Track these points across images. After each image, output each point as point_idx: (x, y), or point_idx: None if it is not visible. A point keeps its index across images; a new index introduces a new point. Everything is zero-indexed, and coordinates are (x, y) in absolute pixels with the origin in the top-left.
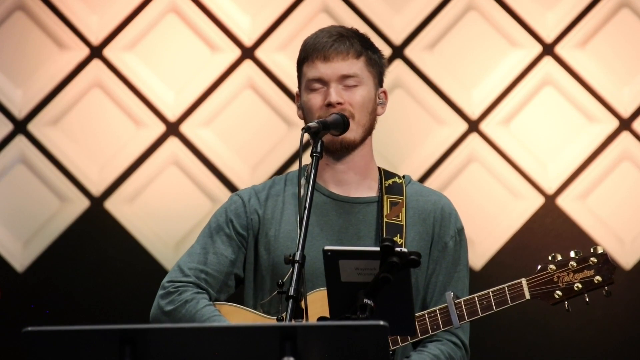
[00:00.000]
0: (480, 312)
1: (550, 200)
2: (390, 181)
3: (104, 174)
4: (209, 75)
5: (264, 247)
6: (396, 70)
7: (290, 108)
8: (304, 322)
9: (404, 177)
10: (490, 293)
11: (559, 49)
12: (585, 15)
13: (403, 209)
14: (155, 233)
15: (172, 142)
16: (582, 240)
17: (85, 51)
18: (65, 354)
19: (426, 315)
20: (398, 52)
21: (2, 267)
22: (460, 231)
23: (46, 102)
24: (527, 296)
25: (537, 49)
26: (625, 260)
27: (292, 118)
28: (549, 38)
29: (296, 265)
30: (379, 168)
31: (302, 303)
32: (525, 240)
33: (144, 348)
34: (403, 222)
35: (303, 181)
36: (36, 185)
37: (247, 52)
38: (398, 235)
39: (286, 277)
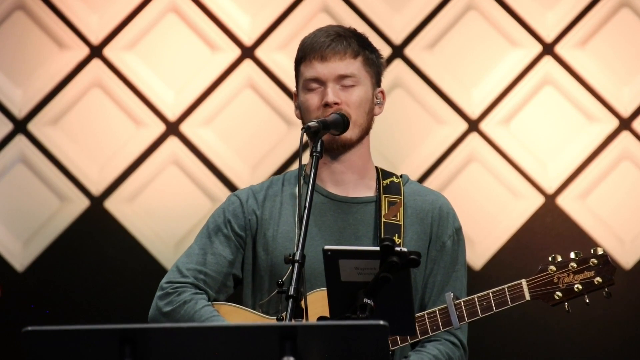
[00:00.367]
0: (480, 313)
1: (550, 200)
2: (387, 181)
3: (104, 174)
4: (209, 75)
5: (262, 247)
6: (396, 70)
7: (290, 108)
8: (304, 322)
9: (401, 176)
10: (490, 294)
11: (559, 49)
12: (585, 15)
13: (401, 209)
14: (155, 233)
15: (172, 142)
16: (582, 240)
17: (85, 51)
18: (65, 353)
19: (426, 315)
20: (398, 51)
21: (2, 267)
22: (458, 230)
23: (46, 101)
24: (527, 297)
25: (537, 48)
26: (625, 260)
27: (292, 118)
28: (549, 38)
29: (296, 265)
30: (376, 168)
31: (302, 303)
32: (525, 240)
33: (144, 348)
34: (401, 222)
35: (301, 181)
36: (36, 185)
37: (247, 52)
38: (396, 235)
39: (285, 277)
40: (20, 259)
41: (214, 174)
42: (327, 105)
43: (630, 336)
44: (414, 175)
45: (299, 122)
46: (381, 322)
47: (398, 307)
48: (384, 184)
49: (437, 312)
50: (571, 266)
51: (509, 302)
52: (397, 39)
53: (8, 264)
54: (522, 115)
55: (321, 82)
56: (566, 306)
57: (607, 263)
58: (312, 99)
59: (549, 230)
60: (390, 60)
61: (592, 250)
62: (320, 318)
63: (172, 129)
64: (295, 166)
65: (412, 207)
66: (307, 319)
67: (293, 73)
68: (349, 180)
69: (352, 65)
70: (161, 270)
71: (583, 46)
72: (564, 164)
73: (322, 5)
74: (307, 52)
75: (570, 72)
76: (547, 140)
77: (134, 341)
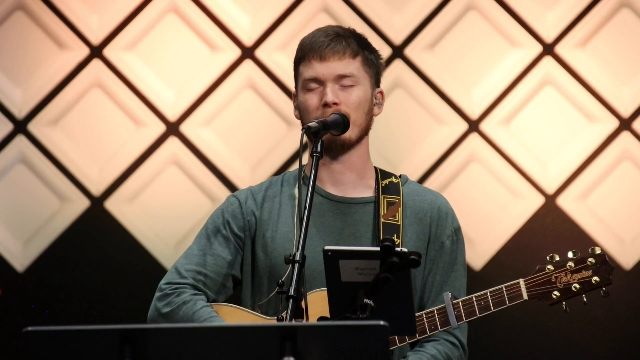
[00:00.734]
0: (478, 313)
1: (550, 200)
2: (386, 181)
3: (104, 174)
4: (209, 75)
5: (261, 248)
6: (396, 70)
7: (290, 108)
8: (304, 322)
9: (400, 176)
10: (488, 293)
11: (559, 49)
12: (585, 15)
13: (400, 209)
14: (155, 233)
15: (172, 142)
16: (582, 240)
17: (85, 51)
18: (65, 354)
19: (424, 315)
20: (398, 52)
21: (2, 267)
22: (457, 230)
23: (46, 102)
24: (525, 296)
25: (537, 48)
26: (625, 260)
27: (292, 118)
28: (549, 38)
29: (296, 265)
30: (375, 168)
31: (302, 303)
32: (525, 240)
33: (144, 348)
34: (400, 222)
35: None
36: (36, 185)
37: (247, 52)
38: (395, 235)
39: (284, 277)
40: (20, 259)
41: (214, 174)
42: (326, 105)
43: (630, 336)
44: (414, 176)
45: (299, 122)
46: (381, 322)
47: (398, 307)
48: (383, 184)
49: (435, 311)
50: (569, 265)
51: (507, 302)
52: (397, 39)
53: (8, 264)
54: (522, 116)
55: (320, 82)
56: (564, 305)
57: (604, 262)
58: (311, 99)
59: (549, 230)
60: (390, 60)
61: (589, 250)
62: (321, 318)
63: (172, 129)
64: (295, 166)
65: (411, 207)
66: (307, 319)
67: (293, 73)
68: (348, 181)
69: (351, 65)
70: (161, 271)
71: (583, 46)
72: (564, 164)
73: (322, 5)
74: (306, 52)
75: (571, 72)
76: (547, 141)
77: (134, 341)
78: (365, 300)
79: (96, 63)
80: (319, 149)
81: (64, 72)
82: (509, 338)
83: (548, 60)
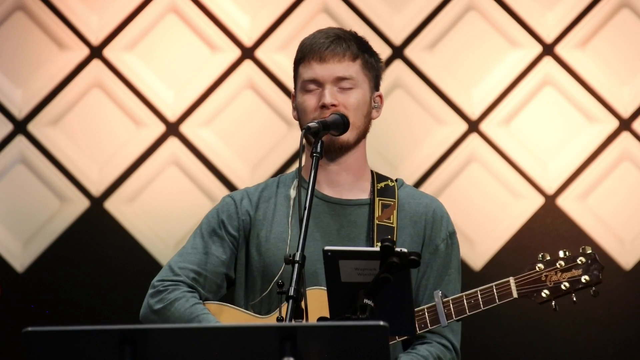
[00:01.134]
0: (467, 311)
1: (550, 200)
2: (382, 184)
3: (104, 174)
4: (209, 75)
5: (255, 248)
6: (396, 70)
7: (290, 108)
8: (304, 322)
9: (396, 180)
10: (479, 292)
11: (559, 49)
12: (585, 15)
13: (395, 212)
14: (155, 233)
15: (172, 142)
16: (582, 240)
17: (85, 51)
18: (65, 354)
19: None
20: (398, 52)
21: (2, 267)
22: (452, 234)
23: (46, 102)
24: (515, 295)
25: (537, 49)
26: (625, 260)
27: (292, 118)
28: (549, 38)
29: (296, 265)
30: (372, 171)
31: (302, 303)
32: (525, 240)
33: (144, 348)
34: (394, 225)
35: (295, 183)
36: (36, 185)
37: (247, 52)
38: (389, 237)
39: (277, 277)
40: (20, 260)
41: (214, 175)
42: (324, 106)
43: (630, 336)
44: (414, 176)
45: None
46: (381, 323)
47: (398, 307)
48: (379, 187)
49: (426, 310)
50: (559, 264)
51: (497, 300)
52: (397, 40)
53: (8, 264)
54: (522, 116)
55: (319, 84)
56: (553, 304)
57: (594, 261)
58: (310, 100)
59: (549, 230)
60: (390, 60)
61: (580, 249)
62: (321, 318)
63: (172, 129)
64: (295, 166)
65: (406, 210)
66: (307, 319)
67: (293, 74)
68: (344, 183)
69: (350, 68)
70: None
71: (583, 47)
72: (564, 164)
73: (322, 5)
74: (306, 53)
75: (571, 72)
76: (547, 141)
77: (134, 341)
78: (365, 300)
79: (96, 63)
80: (318, 149)
81: (64, 72)
82: (508, 338)
83: (548, 60)
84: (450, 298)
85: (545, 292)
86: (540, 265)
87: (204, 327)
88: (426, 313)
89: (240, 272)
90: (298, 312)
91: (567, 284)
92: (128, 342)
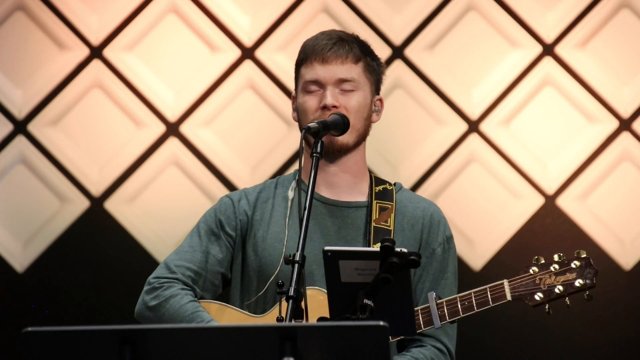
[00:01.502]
0: (461, 313)
1: (550, 200)
2: (380, 187)
3: (104, 174)
4: (209, 75)
5: (252, 248)
6: (396, 71)
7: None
8: (303, 322)
9: (395, 184)
10: (472, 294)
11: (559, 49)
12: (585, 15)
13: (392, 215)
14: (155, 233)
15: (172, 142)
16: (582, 240)
17: (85, 51)
18: (65, 354)
19: None
20: (398, 52)
21: (2, 267)
22: (449, 239)
23: (46, 102)
24: (509, 297)
25: (537, 49)
26: (625, 260)
27: (292, 118)
28: (549, 38)
29: (296, 265)
30: (370, 174)
31: (302, 303)
32: (525, 240)
33: (144, 348)
34: (391, 227)
35: (294, 184)
36: (36, 185)
37: (247, 52)
38: (389, 237)
39: (272, 277)
40: (20, 260)
41: (214, 175)
42: (325, 107)
43: (630, 337)
44: (414, 176)
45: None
46: (381, 323)
47: (398, 307)
48: (377, 190)
49: (419, 311)
50: (553, 268)
51: (490, 302)
52: (397, 40)
53: (8, 264)
54: (522, 116)
55: (321, 85)
56: (547, 308)
57: (589, 265)
58: (311, 101)
59: (549, 231)
60: (390, 61)
61: (575, 253)
62: (321, 318)
63: (172, 129)
64: (294, 167)
65: (403, 214)
66: (307, 319)
67: (293, 74)
68: (343, 185)
69: (352, 70)
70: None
71: (583, 47)
72: (564, 164)
73: (322, 6)
74: (308, 54)
75: (571, 72)
76: (547, 141)
77: (134, 341)
78: (365, 300)
79: (96, 63)
80: (318, 149)
81: (64, 72)
82: (508, 338)
83: (548, 60)
84: (444, 300)
85: (538, 295)
86: (535, 269)
87: (204, 327)
88: (420, 314)
89: (236, 272)
90: (298, 312)
91: (560, 288)
92: (128, 342)
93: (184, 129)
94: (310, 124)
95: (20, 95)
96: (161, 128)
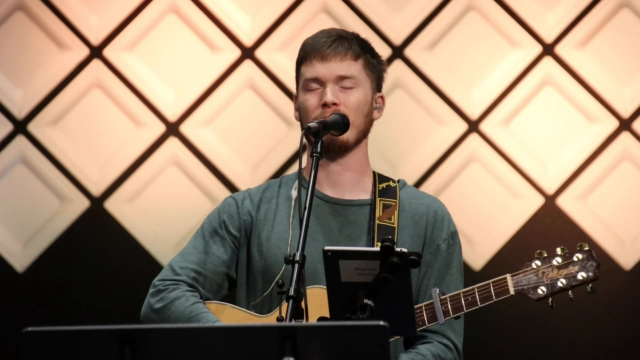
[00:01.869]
0: (465, 308)
1: (550, 200)
2: (384, 184)
3: (104, 174)
4: (209, 75)
5: (257, 248)
6: (396, 70)
7: (290, 108)
8: (304, 322)
9: (398, 181)
10: (476, 289)
11: (559, 49)
12: (585, 15)
13: (396, 212)
14: (155, 233)
15: (172, 142)
16: (582, 240)
17: (85, 51)
18: (65, 354)
19: None
20: (398, 52)
21: (2, 267)
22: (453, 235)
23: (46, 102)
24: (512, 292)
25: (537, 49)
26: (625, 260)
27: (292, 118)
28: (549, 38)
29: (296, 265)
30: (373, 172)
31: (302, 303)
32: (525, 240)
33: (144, 348)
34: (395, 225)
35: (297, 184)
36: (36, 185)
37: (247, 52)
38: (389, 237)
39: (278, 277)
40: (20, 260)
41: (214, 175)
42: (325, 105)
43: (630, 336)
44: (414, 176)
45: (299, 122)
46: (381, 323)
47: (398, 307)
48: (380, 188)
49: (423, 307)
50: (556, 261)
51: (494, 297)
52: (397, 40)
53: (8, 264)
54: (522, 116)
55: (321, 83)
56: (550, 301)
57: (591, 258)
58: (311, 99)
59: (549, 230)
60: (390, 60)
61: (577, 246)
62: (321, 318)
63: (172, 129)
64: (295, 167)
65: (407, 211)
66: (307, 318)
67: (293, 74)
68: (346, 183)
69: (352, 67)
70: (161, 271)
71: (583, 47)
72: (564, 164)
73: (322, 5)
74: (308, 52)
75: (571, 72)
76: (547, 141)
77: (134, 341)
78: (365, 300)
79: (96, 63)
80: (318, 149)
81: (64, 72)
82: (509, 338)
83: (548, 60)
84: (447, 295)
85: (542, 289)
86: (537, 262)
87: (204, 327)
88: (424, 311)
89: (241, 273)
90: (298, 312)
91: (563, 281)
92: (128, 342)
93: (184, 128)
94: (310, 124)
95: (20, 95)
96: (161, 128)
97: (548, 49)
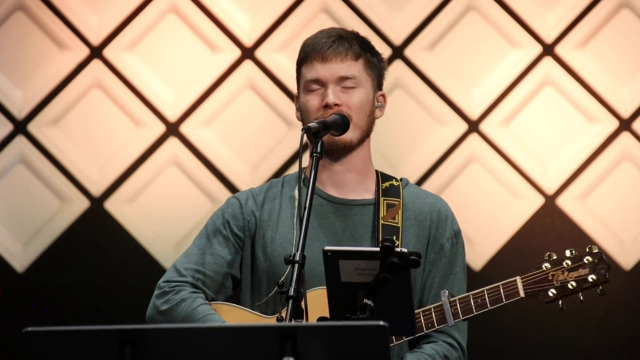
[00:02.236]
0: (475, 310)
1: (550, 200)
2: (387, 184)
3: (104, 174)
4: (209, 75)
5: (261, 249)
6: (396, 71)
7: (290, 108)
8: (304, 322)
9: (401, 180)
10: (485, 291)
11: (559, 49)
12: (585, 15)
13: (399, 211)
14: (155, 233)
15: (172, 142)
16: (582, 240)
17: (85, 51)
18: (65, 354)
19: (421, 313)
20: (398, 52)
21: (2, 267)
22: (457, 234)
23: (46, 102)
24: (522, 294)
25: (537, 49)
26: (625, 260)
27: (292, 118)
28: (549, 38)
29: (296, 265)
30: (376, 171)
31: (302, 303)
32: (525, 240)
33: (144, 348)
34: (399, 224)
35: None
36: (36, 185)
37: (247, 52)
38: (394, 236)
39: (283, 278)
40: (20, 260)
41: (214, 175)
42: (327, 106)
43: (630, 337)
44: (415, 176)
45: (300, 122)
46: (381, 323)
47: (398, 307)
48: (383, 187)
49: (432, 309)
50: (565, 264)
51: (504, 299)
52: (397, 40)
53: (8, 264)
54: (522, 116)
55: (322, 84)
56: (560, 304)
57: (601, 261)
58: (313, 100)
59: (549, 230)
60: (390, 61)
61: (587, 248)
62: (321, 318)
63: (172, 129)
64: (295, 167)
65: (410, 210)
66: (307, 318)
67: (293, 74)
68: (349, 183)
69: (353, 67)
70: (161, 271)
71: (583, 47)
72: (564, 164)
73: (322, 6)
74: (308, 53)
75: (571, 72)
76: (547, 141)
77: (134, 341)
78: (365, 300)
79: (96, 63)
80: (318, 149)
81: (64, 72)
82: (509, 338)
83: (548, 60)
84: (457, 297)
85: (552, 292)
86: (547, 265)
87: (204, 327)
88: (433, 313)
89: (245, 273)
90: (298, 312)
91: (574, 283)
92: (128, 342)
93: (184, 129)
94: (310, 124)
95: (20, 95)
96: (161, 128)
97: (548, 49)
